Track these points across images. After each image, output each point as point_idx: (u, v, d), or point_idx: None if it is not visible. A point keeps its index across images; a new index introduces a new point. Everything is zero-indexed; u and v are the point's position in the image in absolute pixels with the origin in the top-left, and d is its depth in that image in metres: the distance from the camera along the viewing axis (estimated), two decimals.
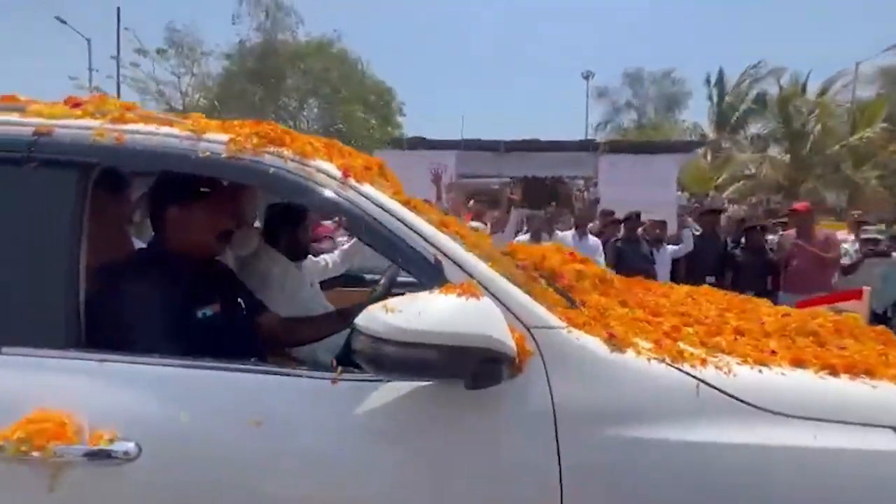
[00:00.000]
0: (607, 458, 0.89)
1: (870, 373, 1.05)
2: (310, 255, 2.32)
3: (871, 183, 14.51)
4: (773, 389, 0.95)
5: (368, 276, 2.66)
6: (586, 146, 10.65)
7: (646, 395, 0.93)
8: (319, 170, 1.07)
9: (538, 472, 0.89)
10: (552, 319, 0.99)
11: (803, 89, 17.08)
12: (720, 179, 16.30)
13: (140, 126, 1.10)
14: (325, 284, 2.41)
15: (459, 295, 0.89)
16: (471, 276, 0.98)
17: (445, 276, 0.98)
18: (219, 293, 1.33)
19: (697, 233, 5.00)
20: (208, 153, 1.06)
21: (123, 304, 1.11)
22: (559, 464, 0.88)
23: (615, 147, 11.04)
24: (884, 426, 0.92)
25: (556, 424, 0.90)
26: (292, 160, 1.07)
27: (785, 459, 0.87)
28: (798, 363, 1.05)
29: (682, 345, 1.04)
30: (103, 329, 1.06)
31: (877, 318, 3.95)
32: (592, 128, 23.90)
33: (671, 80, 25.19)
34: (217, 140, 1.08)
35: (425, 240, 1.01)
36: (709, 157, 17.84)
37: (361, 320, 0.86)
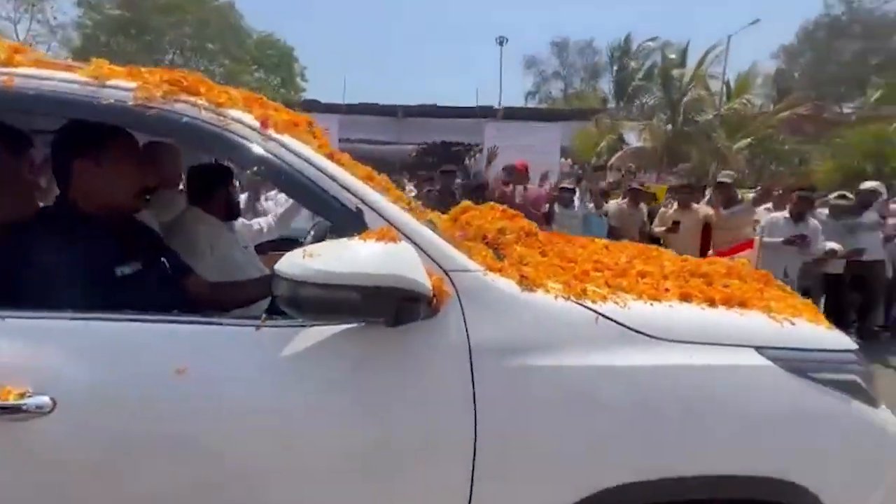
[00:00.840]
0: (515, 385, 0.99)
1: (743, 304, 1.22)
2: (243, 220, 2.26)
3: (742, 152, 15.42)
4: (660, 319, 1.08)
5: (304, 240, 2.63)
6: (486, 113, 10.63)
7: (552, 327, 1.03)
8: (236, 119, 1.05)
9: (455, 401, 0.97)
10: (469, 264, 1.06)
11: (683, 61, 17.61)
12: (599, 147, 16.68)
13: (33, 70, 1.02)
14: (260, 249, 2.37)
15: (378, 240, 0.93)
16: (391, 224, 1.02)
17: (366, 225, 1.01)
18: (139, 252, 1.29)
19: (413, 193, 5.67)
20: (112, 100, 1.01)
21: (30, 261, 1.05)
22: (473, 392, 0.97)
23: (511, 114, 11.10)
24: (747, 346, 1.08)
25: (470, 357, 0.98)
26: (206, 109, 1.04)
27: (667, 376, 1.01)
28: (685, 298, 1.20)
29: (588, 286, 1.15)
30: (8, 287, 1.01)
31: None
32: (523, 96, 23.98)
33: (592, 49, 25.77)
34: (123, 87, 1.03)
35: (347, 190, 1.03)
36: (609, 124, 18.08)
37: (281, 266, 0.88)
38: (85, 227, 1.18)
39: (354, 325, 0.97)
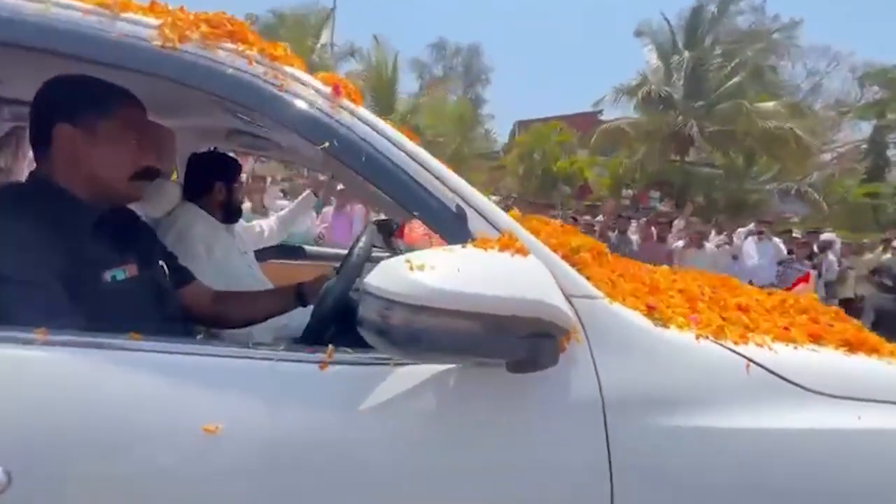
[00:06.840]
0: (662, 452, 0.75)
1: (875, 350, 1.03)
2: (241, 220, 1.94)
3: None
4: (812, 367, 0.88)
5: (309, 248, 2.32)
6: None
7: (699, 376, 0.80)
8: (298, 80, 0.79)
9: (585, 471, 0.72)
10: (592, 289, 0.82)
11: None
12: None
13: None
14: (260, 255, 2.05)
15: (502, 250, 0.68)
16: (499, 230, 0.78)
17: (469, 230, 0.76)
18: (133, 252, 0.98)
19: None
20: (128, 36, 0.72)
21: None
22: (609, 460, 0.73)
23: None
24: None
25: (604, 413, 0.74)
26: (260, 63, 0.77)
27: (846, 444, 0.80)
28: (815, 339, 1.00)
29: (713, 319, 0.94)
30: None
31: None
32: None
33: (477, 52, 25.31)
34: (145, 23, 0.75)
35: (443, 183, 0.78)
36: None
37: (376, 280, 0.62)
38: (67, 215, 0.86)
39: (454, 366, 0.71)
